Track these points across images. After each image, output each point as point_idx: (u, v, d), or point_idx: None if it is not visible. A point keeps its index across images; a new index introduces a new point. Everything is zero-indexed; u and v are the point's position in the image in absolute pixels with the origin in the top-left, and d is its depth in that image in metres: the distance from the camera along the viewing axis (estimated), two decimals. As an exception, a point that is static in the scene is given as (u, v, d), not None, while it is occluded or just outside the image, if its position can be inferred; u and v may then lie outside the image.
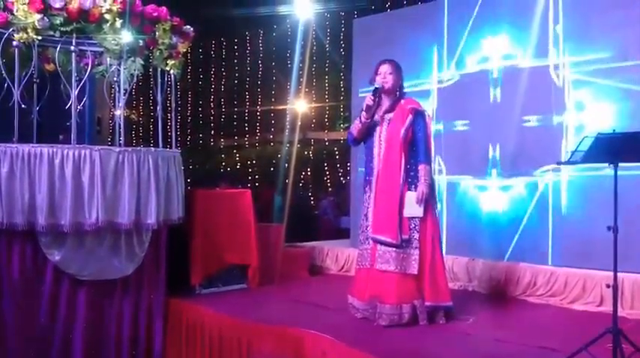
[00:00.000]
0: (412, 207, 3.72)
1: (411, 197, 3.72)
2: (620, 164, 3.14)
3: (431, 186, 3.83)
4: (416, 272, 3.69)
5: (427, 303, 3.72)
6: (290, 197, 9.38)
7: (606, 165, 3.23)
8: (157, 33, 4.18)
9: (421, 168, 3.76)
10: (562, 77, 4.76)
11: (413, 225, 3.74)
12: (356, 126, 3.92)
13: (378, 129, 3.86)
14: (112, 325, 4.16)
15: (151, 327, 4.34)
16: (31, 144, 3.77)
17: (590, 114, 4.61)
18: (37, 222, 3.72)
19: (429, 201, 3.77)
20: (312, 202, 11.68)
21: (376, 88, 3.82)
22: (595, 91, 4.58)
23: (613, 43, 4.47)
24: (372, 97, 3.78)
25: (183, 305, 4.47)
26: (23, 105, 3.88)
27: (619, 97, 4.44)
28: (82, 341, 3.99)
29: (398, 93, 3.90)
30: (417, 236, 3.73)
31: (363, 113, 3.82)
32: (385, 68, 3.87)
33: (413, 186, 3.75)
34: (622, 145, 3.07)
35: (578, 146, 3.12)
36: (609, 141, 3.07)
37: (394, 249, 3.69)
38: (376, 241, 3.75)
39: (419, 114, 3.82)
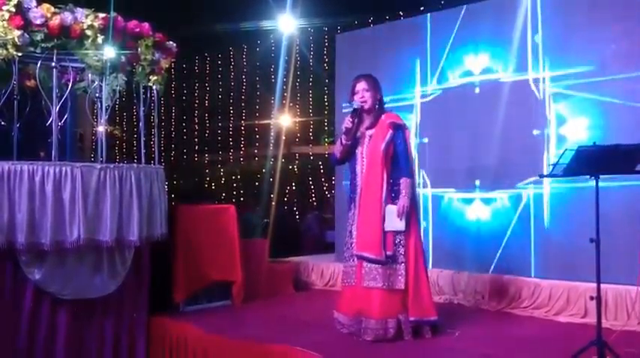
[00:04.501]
0: (393, 221, 3.67)
1: (392, 210, 3.68)
2: (602, 176, 3.18)
3: (413, 199, 3.80)
4: (403, 287, 3.66)
5: (412, 318, 3.69)
6: (274, 212, 9.33)
7: (587, 177, 3.26)
8: (139, 49, 4.16)
9: (402, 181, 3.72)
10: (542, 91, 4.82)
11: (398, 240, 3.70)
12: (337, 148, 3.90)
13: (360, 146, 3.84)
14: (94, 344, 4.08)
15: (133, 346, 4.27)
16: (11, 162, 3.70)
17: (570, 126, 4.66)
18: (16, 241, 3.64)
19: (411, 214, 3.74)
20: (297, 217, 11.63)
21: (355, 109, 3.80)
22: (575, 104, 4.65)
23: (592, 58, 4.54)
24: (351, 119, 3.77)
25: (167, 323, 4.40)
26: (3, 123, 3.82)
27: (599, 110, 4.50)
28: (62, 362, 3.90)
29: (378, 107, 3.86)
30: (402, 251, 3.69)
31: (343, 136, 3.80)
32: (362, 85, 3.83)
33: (396, 201, 3.72)
34: (602, 158, 3.11)
35: (559, 159, 3.15)
36: (590, 153, 3.10)
37: (379, 265, 3.66)
38: (361, 258, 3.73)
39: (398, 128, 3.78)
